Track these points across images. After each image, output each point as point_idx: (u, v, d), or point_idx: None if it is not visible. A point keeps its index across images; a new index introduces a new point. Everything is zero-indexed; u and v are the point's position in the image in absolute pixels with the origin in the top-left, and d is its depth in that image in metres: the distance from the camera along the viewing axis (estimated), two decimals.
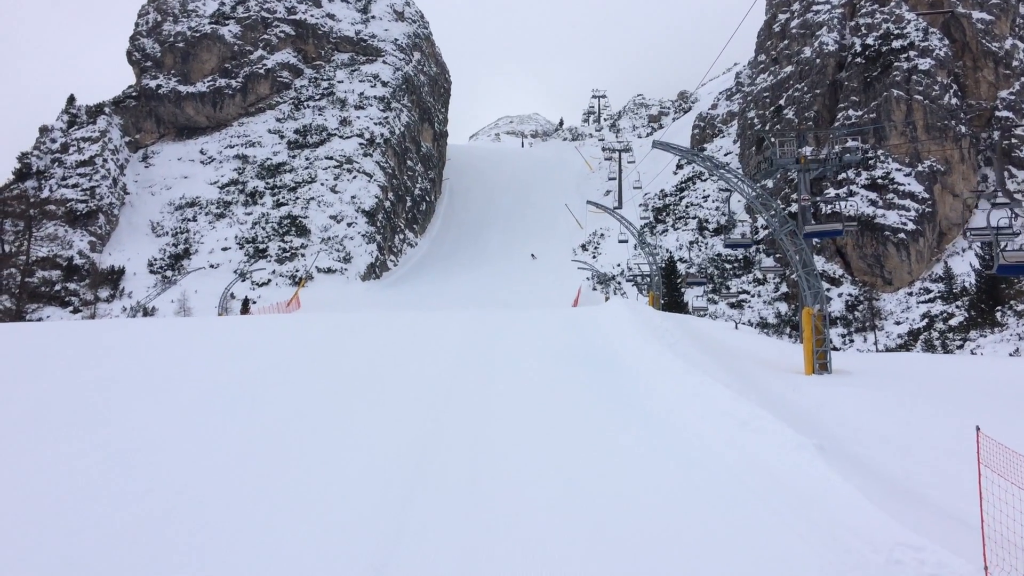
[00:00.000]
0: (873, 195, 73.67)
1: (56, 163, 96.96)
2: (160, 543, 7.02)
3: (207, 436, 10.83)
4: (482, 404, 13.01)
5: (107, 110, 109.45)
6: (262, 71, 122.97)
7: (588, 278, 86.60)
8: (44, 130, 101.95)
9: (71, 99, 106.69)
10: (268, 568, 6.49)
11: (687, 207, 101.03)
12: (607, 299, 61.74)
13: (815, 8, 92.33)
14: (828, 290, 68.44)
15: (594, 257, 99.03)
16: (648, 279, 52.22)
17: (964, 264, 68.51)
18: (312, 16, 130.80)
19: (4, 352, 18.71)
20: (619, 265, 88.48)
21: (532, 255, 56.25)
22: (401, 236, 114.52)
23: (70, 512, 7.75)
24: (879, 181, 74.35)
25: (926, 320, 62.49)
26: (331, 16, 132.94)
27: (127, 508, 7.83)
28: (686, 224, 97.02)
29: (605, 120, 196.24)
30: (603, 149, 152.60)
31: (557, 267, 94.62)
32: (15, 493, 8.31)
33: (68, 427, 11.20)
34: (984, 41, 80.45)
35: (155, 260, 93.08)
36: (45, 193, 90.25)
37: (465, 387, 14.69)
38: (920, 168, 74.13)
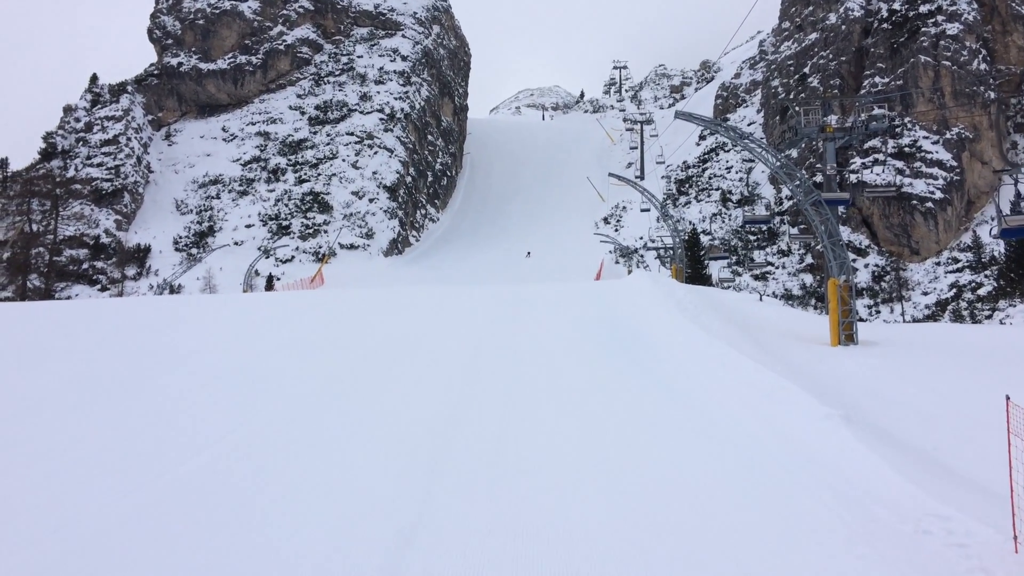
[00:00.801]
0: (900, 163, 72.58)
1: (81, 142, 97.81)
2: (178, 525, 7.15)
3: (232, 410, 10.97)
4: (508, 378, 13.05)
5: (129, 88, 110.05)
6: (282, 47, 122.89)
7: (610, 251, 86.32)
8: (68, 109, 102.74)
9: (94, 78, 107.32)
10: (291, 545, 6.58)
11: (710, 178, 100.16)
12: (629, 272, 61.54)
13: None
14: (854, 261, 67.76)
15: (616, 230, 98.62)
16: (671, 251, 51.94)
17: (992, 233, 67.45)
18: None
19: (35, 330, 19.01)
20: (641, 238, 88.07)
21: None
22: (423, 211, 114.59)
23: (84, 499, 7.90)
24: (906, 149, 73.20)
25: (954, 290, 61.75)
26: None
27: (129, 497, 7.96)
28: (709, 196, 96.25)
29: (626, 91, 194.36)
30: (624, 120, 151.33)
31: (579, 240, 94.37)
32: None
33: (107, 400, 11.40)
34: (1014, 4, 78.55)
35: (180, 238, 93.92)
36: (71, 172, 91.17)
37: (491, 359, 14.75)
38: (948, 135, 72.86)
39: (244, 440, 9.40)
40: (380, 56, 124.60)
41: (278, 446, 9.21)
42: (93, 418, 10.57)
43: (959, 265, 65.46)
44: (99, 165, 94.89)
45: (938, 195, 70.09)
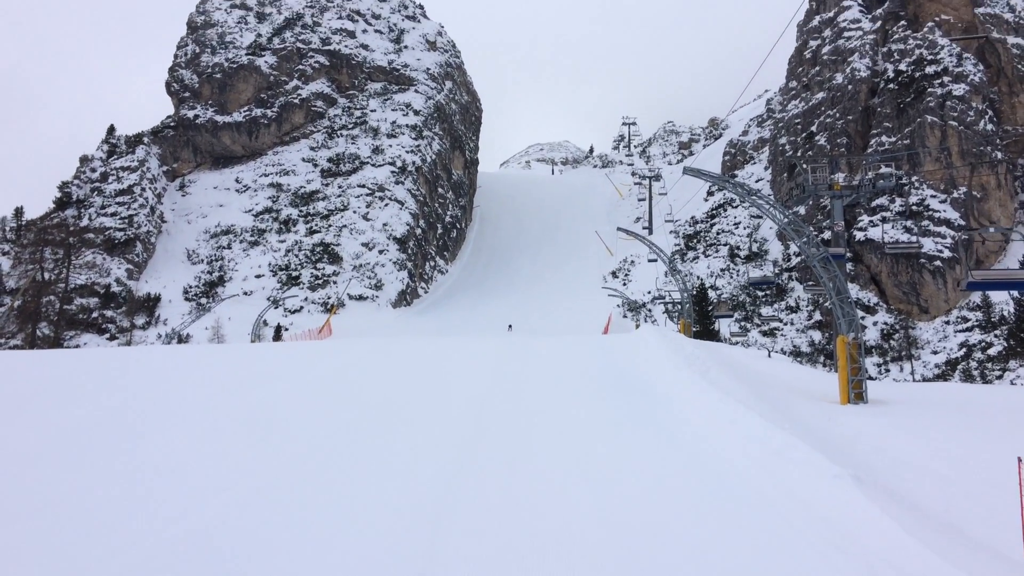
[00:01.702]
0: (908, 222, 72.78)
1: (96, 192, 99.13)
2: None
3: (237, 458, 10.91)
4: (515, 429, 12.96)
5: (146, 140, 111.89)
6: (297, 101, 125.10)
7: (619, 305, 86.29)
8: (84, 160, 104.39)
9: (111, 129, 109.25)
10: None
11: (718, 234, 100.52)
12: (637, 326, 61.44)
13: (846, 35, 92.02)
14: (863, 318, 67.51)
15: (624, 284, 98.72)
16: (679, 306, 51.89)
17: (1003, 293, 67.27)
18: (346, 47, 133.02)
19: (40, 377, 19.04)
20: (649, 292, 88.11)
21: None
22: (432, 263, 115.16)
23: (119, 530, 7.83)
24: (914, 208, 73.46)
25: (964, 350, 61.32)
26: (365, 47, 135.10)
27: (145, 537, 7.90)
28: (717, 251, 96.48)
29: (635, 147, 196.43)
30: (633, 175, 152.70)
31: (587, 294, 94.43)
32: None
33: (107, 449, 11.35)
34: (1020, 67, 79.55)
35: (190, 287, 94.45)
36: (84, 222, 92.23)
37: (498, 410, 14.67)
38: (956, 195, 73.16)
39: (235, 502, 9.32)
40: (393, 110, 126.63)
41: (280, 502, 9.13)
42: (94, 471, 10.51)
43: (968, 324, 65.12)
44: (113, 215, 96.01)
45: (946, 254, 70.11)
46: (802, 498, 9.06)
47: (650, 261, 70.21)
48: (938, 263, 69.87)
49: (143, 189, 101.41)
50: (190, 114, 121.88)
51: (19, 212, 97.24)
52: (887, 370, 62.92)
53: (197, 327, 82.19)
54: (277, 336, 74.69)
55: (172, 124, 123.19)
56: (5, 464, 10.61)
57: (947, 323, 67.13)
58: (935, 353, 63.51)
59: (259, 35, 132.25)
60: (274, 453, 11.41)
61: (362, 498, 9.13)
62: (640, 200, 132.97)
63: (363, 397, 16.74)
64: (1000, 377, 49.74)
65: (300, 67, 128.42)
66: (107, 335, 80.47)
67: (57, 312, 63.15)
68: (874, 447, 12.83)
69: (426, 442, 12.06)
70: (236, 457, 11.18)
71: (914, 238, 68.69)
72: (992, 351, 57.58)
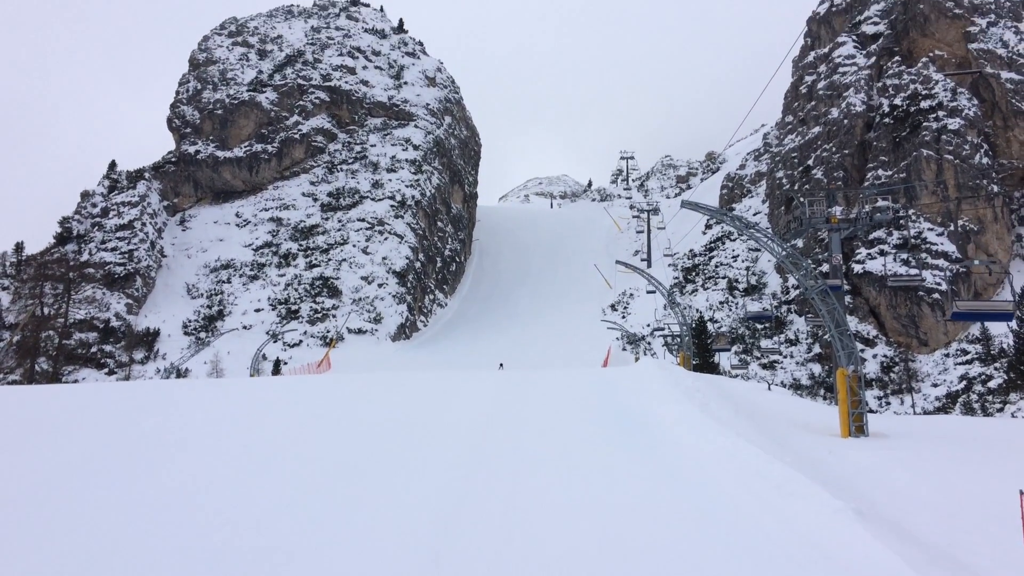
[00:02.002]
0: (905, 255, 72.99)
1: (96, 227, 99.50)
2: None
3: (239, 492, 10.85)
4: (512, 470, 12.90)
5: (147, 175, 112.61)
6: (297, 136, 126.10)
7: (618, 338, 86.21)
8: (85, 195, 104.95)
9: (112, 165, 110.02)
10: None
11: (716, 267, 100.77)
12: (637, 359, 61.33)
13: (841, 70, 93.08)
14: (862, 351, 67.42)
15: (623, 317, 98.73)
16: (678, 339, 51.85)
17: (1002, 325, 67.26)
18: (347, 83, 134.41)
19: (39, 413, 18.97)
20: (648, 325, 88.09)
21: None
22: (431, 297, 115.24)
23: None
24: (912, 241, 73.73)
25: (964, 382, 61.15)
26: (365, 83, 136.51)
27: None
28: (716, 284, 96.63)
29: (634, 181, 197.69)
30: (631, 207, 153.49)
31: (586, 327, 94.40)
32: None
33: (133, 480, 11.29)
34: (1014, 101, 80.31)
35: (189, 322, 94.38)
36: (84, 256, 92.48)
37: (496, 442, 14.62)
38: (953, 228, 73.46)
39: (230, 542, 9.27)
40: (392, 145, 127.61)
41: (274, 541, 9.07)
42: (96, 503, 10.45)
43: (968, 357, 65.00)
44: (113, 249, 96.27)
45: (944, 286, 70.22)
46: (803, 532, 9.01)
47: (649, 292, 70.31)
48: (936, 295, 69.96)
49: (143, 224, 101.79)
50: (191, 149, 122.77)
51: (19, 247, 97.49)
52: (888, 403, 62.70)
53: (196, 361, 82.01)
54: (276, 370, 74.51)
55: (173, 159, 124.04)
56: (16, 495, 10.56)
57: (947, 356, 67.03)
58: (935, 386, 63.33)
59: (260, 72, 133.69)
60: (274, 486, 11.34)
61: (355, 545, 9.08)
62: (639, 232, 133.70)
63: (353, 445, 16.66)
64: (1001, 410, 49.57)
65: (301, 103, 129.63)
66: (106, 370, 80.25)
67: (56, 347, 63.02)
68: (876, 480, 12.77)
69: (421, 484, 12.00)
70: (232, 494, 11.11)
71: (915, 271, 68.86)
72: (992, 384, 57.42)
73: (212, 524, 9.42)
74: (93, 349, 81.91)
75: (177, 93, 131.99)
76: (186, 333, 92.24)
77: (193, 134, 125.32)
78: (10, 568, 7.95)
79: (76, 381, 70.28)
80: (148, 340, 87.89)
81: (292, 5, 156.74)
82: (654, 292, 69.07)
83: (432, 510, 10.04)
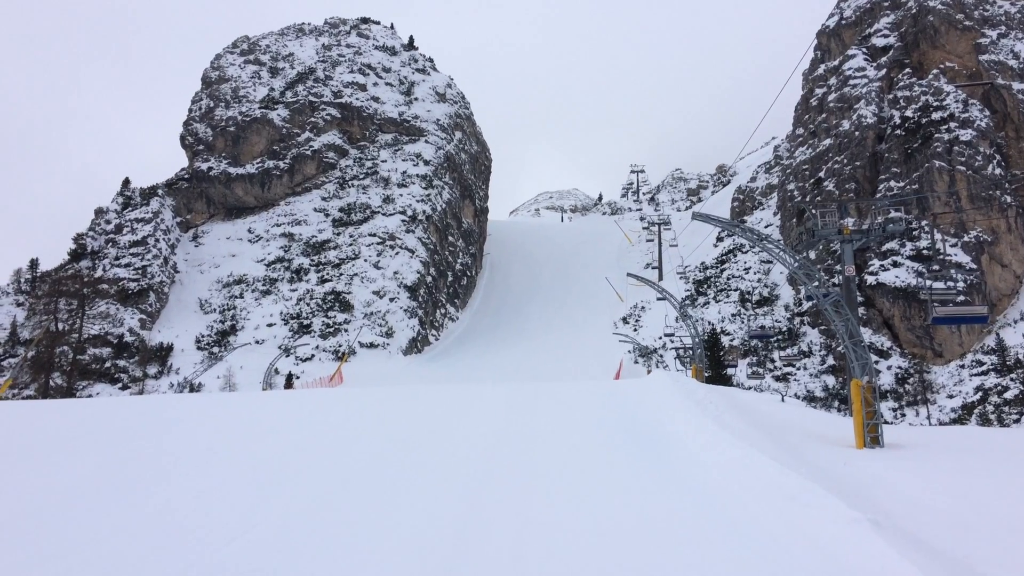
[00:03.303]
0: (919, 266, 72.61)
1: (110, 243, 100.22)
2: None
3: (246, 508, 10.87)
4: (524, 474, 12.88)
5: (160, 192, 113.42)
6: (309, 152, 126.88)
7: (629, 351, 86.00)
8: (99, 212, 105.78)
9: (126, 182, 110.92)
10: None
11: (728, 279, 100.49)
12: (649, 372, 61.12)
13: (852, 82, 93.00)
14: (876, 363, 66.98)
15: (635, 330, 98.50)
16: (690, 351, 51.67)
17: (1017, 336, 66.75)
18: (358, 99, 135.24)
19: (54, 428, 19.08)
20: (660, 338, 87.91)
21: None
22: (442, 311, 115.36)
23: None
24: (924, 252, 73.36)
25: (980, 393, 60.66)
26: (376, 99, 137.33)
27: None
28: (728, 296, 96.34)
29: (644, 194, 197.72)
30: (641, 219, 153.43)
31: (598, 340, 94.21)
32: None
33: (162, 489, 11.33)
34: None
35: (202, 337, 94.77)
36: (99, 272, 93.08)
37: (507, 455, 14.58)
38: (967, 238, 73.09)
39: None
40: (403, 160, 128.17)
41: (288, 550, 9.09)
42: (111, 517, 10.50)
43: (984, 368, 64.51)
44: (127, 265, 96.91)
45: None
46: (818, 543, 8.94)
47: (659, 299, 70.26)
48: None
49: (157, 240, 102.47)
50: (204, 166, 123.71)
51: (34, 264, 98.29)
52: (903, 414, 62.24)
53: (209, 376, 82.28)
54: (288, 384, 74.67)
55: (186, 176, 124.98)
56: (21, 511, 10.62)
57: (962, 367, 66.53)
58: (951, 397, 62.84)
59: (272, 89, 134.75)
60: (287, 500, 11.36)
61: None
62: (648, 241, 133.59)
63: (363, 453, 16.67)
64: (1017, 421, 49.14)
65: (312, 119, 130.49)
66: (120, 385, 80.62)
67: (70, 362, 63.37)
68: (891, 491, 12.67)
69: (432, 496, 11.98)
70: (247, 506, 11.13)
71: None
72: (1008, 395, 56.96)
73: (220, 537, 9.45)
74: (107, 364, 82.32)
75: (190, 111, 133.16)
76: (199, 348, 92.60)
77: (206, 151, 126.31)
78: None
79: (90, 396, 70.62)
80: (161, 355, 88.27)
81: (303, 23, 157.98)
82: (664, 299, 69.06)
83: (442, 527, 10.02)
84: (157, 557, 8.67)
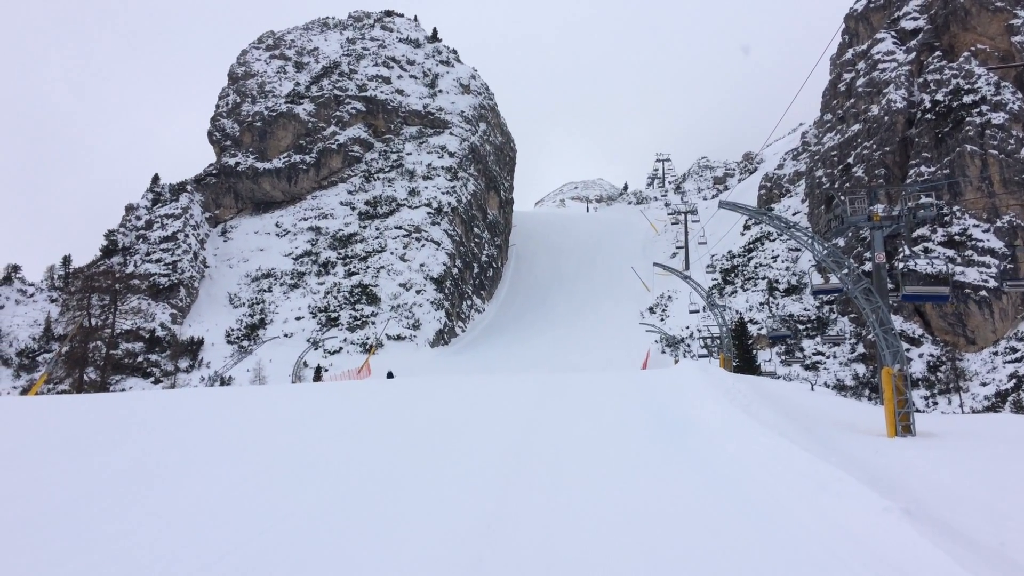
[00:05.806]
0: (951, 252, 71.58)
1: (141, 239, 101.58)
2: None
3: (276, 501, 11.02)
4: (556, 456, 12.94)
5: (189, 188, 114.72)
6: (334, 146, 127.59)
7: (656, 341, 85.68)
8: (130, 208, 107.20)
9: (155, 178, 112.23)
10: None
11: (756, 268, 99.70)
12: (676, 362, 60.89)
13: (881, 66, 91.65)
14: (908, 350, 66.19)
15: (662, 320, 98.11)
16: (718, 341, 51.40)
17: None
18: (382, 92, 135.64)
19: (89, 419, 19.44)
20: (688, 327, 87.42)
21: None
22: (468, 302, 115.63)
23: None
24: (956, 238, 72.28)
25: (1014, 381, 59.75)
26: (400, 92, 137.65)
27: None
28: (755, 285, 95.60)
29: (670, 183, 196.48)
30: (666, 205, 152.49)
31: (625, 330, 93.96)
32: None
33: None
34: None
35: (232, 330, 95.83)
36: (130, 268, 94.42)
37: (538, 442, 14.65)
38: (999, 223, 71.88)
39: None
40: (428, 153, 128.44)
41: (319, 543, 9.21)
42: (145, 511, 10.70)
43: (1018, 355, 63.52)
44: (157, 261, 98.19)
45: (992, 283, 68.68)
46: (850, 531, 8.90)
47: (692, 312, 70.27)
48: (983, 293, 68.47)
49: (186, 235, 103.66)
50: (231, 161, 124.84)
51: (67, 260, 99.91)
52: (935, 403, 61.47)
53: (239, 369, 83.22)
54: (317, 377, 75.30)
55: (214, 172, 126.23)
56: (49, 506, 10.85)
57: (995, 354, 65.55)
58: (984, 385, 61.96)
59: (297, 84, 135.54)
60: (318, 491, 11.50)
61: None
62: (674, 226, 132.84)
63: (400, 435, 16.81)
64: None
65: (337, 113, 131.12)
66: (152, 379, 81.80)
67: (104, 357, 64.29)
68: (924, 480, 12.56)
69: (476, 471, 12.07)
70: (270, 501, 11.29)
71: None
72: None
73: (247, 530, 9.59)
74: (139, 359, 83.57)
75: (217, 106, 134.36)
76: (229, 342, 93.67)
77: (233, 146, 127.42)
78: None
79: (123, 390, 71.70)
80: (192, 349, 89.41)
81: (328, 17, 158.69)
82: (698, 311, 68.99)
83: (472, 515, 10.10)
84: (195, 546, 8.83)
